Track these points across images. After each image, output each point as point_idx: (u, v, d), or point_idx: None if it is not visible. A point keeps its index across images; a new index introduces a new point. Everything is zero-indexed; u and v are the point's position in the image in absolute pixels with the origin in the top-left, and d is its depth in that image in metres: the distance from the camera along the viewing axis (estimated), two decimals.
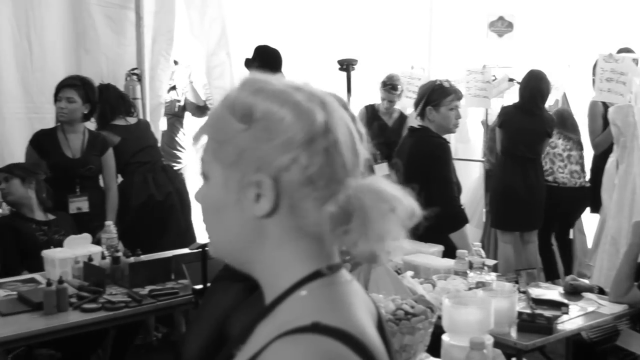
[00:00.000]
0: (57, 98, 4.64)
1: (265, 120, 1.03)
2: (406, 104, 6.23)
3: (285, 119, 1.03)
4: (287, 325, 0.99)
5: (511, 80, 5.96)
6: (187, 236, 4.73)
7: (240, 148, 1.03)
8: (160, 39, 6.06)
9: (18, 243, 3.95)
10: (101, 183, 4.81)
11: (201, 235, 4.87)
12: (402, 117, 6.14)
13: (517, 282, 3.48)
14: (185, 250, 3.80)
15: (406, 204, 1.04)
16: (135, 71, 5.73)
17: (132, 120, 5.05)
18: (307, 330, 0.98)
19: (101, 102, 4.89)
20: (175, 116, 6.15)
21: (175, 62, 6.16)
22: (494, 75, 6.10)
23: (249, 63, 5.01)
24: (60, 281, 3.20)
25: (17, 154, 5.11)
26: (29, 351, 4.28)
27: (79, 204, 4.45)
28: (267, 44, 5.68)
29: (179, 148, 6.11)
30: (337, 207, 1.02)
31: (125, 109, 5.04)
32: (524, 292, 3.35)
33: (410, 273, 3.29)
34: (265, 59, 4.96)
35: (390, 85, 6.00)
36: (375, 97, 6.18)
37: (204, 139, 1.10)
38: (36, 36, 5.58)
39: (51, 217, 4.19)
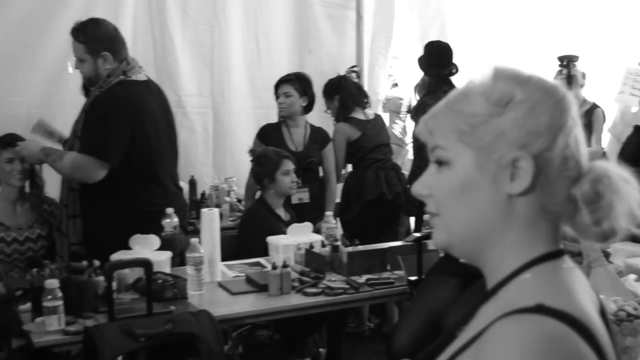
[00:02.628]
0: (277, 95, 4.90)
1: (528, 103, 1.10)
2: (630, 102, 5.93)
3: (547, 102, 1.10)
4: (511, 305, 1.03)
5: None
6: (398, 235, 4.82)
7: (498, 130, 1.09)
8: (379, 37, 6.20)
9: (262, 233, 4.03)
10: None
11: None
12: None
13: None
14: (401, 243, 3.88)
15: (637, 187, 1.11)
16: (355, 69, 5.89)
17: (370, 115, 5.15)
18: (531, 311, 1.01)
19: (341, 92, 5.06)
20: (395, 112, 6.26)
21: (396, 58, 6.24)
22: None
23: (420, 60, 5.00)
24: (285, 266, 3.39)
25: (244, 145, 5.44)
26: (251, 331, 4.56)
27: (301, 195, 4.65)
28: (484, 40, 5.64)
29: (399, 144, 6.21)
30: (588, 186, 1.09)
31: (362, 100, 5.14)
32: None
33: (633, 276, 3.16)
34: (435, 54, 4.92)
35: None
36: (598, 93, 5.89)
37: (439, 126, 1.15)
38: (263, 36, 5.92)
39: (288, 216, 4.35)
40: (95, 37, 3.65)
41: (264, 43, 5.92)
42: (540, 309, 1.00)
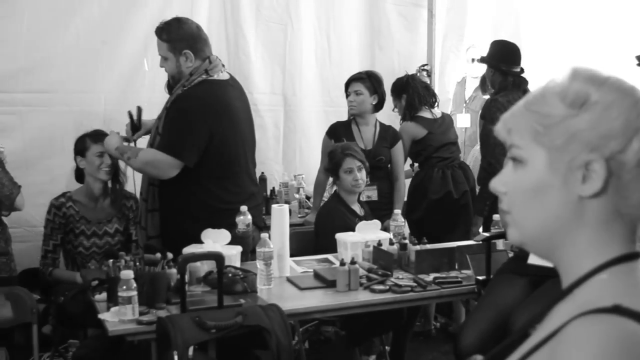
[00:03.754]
0: (347, 93, 4.92)
1: (602, 105, 1.08)
2: None
3: (623, 104, 1.08)
4: (587, 305, 1.02)
5: None
6: (471, 235, 4.78)
7: (571, 132, 1.09)
8: (451, 36, 6.19)
9: (338, 229, 4.03)
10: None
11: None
12: None
13: None
14: (470, 242, 3.86)
15: None
16: (426, 67, 5.88)
17: (437, 114, 5.11)
18: (608, 311, 1.00)
19: (408, 91, 5.05)
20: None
21: (473, 60, 6.18)
22: None
23: (487, 58, 4.94)
24: (353, 262, 3.41)
25: (313, 143, 5.50)
26: (317, 327, 4.60)
27: (369, 193, 4.66)
28: (559, 40, 5.54)
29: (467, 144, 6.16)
30: None
31: (430, 100, 5.12)
32: None
33: None
34: (505, 52, 4.86)
35: None
36: None
37: (517, 125, 1.16)
38: (335, 34, 5.96)
39: (363, 211, 4.36)
40: (178, 36, 3.70)
41: (335, 41, 5.96)
42: (617, 310, 1.00)
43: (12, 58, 4.78)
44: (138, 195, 3.99)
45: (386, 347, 4.42)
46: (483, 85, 5.66)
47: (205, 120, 3.65)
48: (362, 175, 4.31)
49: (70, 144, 4.19)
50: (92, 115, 4.83)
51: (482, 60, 4.90)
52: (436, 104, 5.15)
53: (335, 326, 4.48)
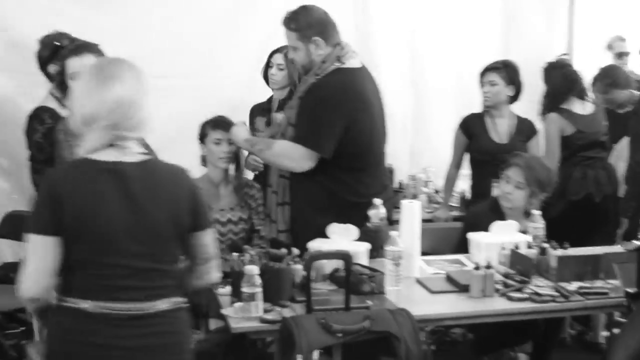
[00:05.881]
0: (481, 83, 4.68)
1: None
2: None
3: None
4: None
5: None
6: (615, 239, 4.44)
7: None
8: (592, 24, 5.86)
9: None
10: None
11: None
12: None
13: None
14: (617, 249, 3.56)
15: None
16: (565, 57, 5.55)
17: (588, 109, 4.76)
18: None
19: (548, 81, 4.77)
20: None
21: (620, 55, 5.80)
22: None
23: None
24: (488, 266, 3.18)
25: (443, 134, 5.28)
26: (447, 328, 4.39)
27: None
28: None
29: None
30: None
31: (575, 91, 4.74)
32: None
33: None
34: None
35: None
36: None
37: None
38: (467, 20, 5.82)
39: None
40: (306, 23, 3.61)
41: (468, 27, 5.73)
42: None
43: (140, 44, 4.76)
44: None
45: (518, 354, 4.17)
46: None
47: (342, 111, 3.55)
48: (515, 193, 3.92)
49: (195, 130, 4.14)
50: (220, 101, 4.80)
51: None
52: (585, 95, 4.77)
53: (464, 328, 4.26)
